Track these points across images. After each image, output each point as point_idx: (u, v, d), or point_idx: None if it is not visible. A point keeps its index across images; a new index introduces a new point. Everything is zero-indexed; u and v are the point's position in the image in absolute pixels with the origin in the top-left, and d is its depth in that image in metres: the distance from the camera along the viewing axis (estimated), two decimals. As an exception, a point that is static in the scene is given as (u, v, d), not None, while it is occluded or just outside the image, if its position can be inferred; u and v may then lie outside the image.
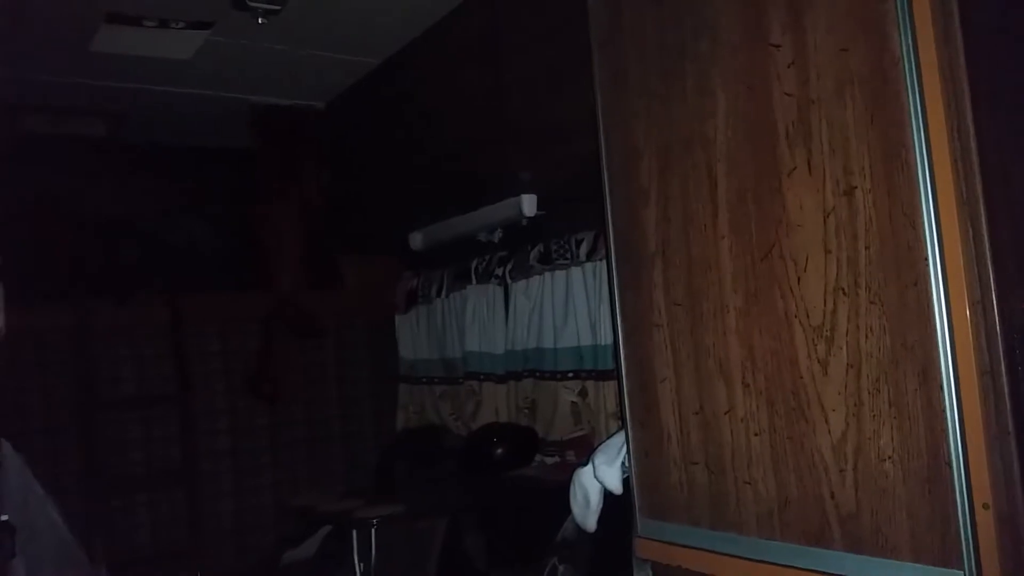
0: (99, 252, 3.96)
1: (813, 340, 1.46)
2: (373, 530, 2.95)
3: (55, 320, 3.75)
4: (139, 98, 3.84)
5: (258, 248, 4.08)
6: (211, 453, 4.09)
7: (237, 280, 4.15)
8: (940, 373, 1.28)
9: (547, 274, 3.19)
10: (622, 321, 1.91)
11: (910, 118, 1.31)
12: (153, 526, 3.95)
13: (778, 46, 1.51)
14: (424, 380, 4.06)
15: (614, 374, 2.74)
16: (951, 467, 1.27)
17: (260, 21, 3.07)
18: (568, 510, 2.32)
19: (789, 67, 1.49)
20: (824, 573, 1.44)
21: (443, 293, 3.89)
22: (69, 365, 3.81)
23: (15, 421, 3.49)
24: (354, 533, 3.04)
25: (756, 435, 1.57)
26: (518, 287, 3.37)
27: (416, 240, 3.80)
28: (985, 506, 1.23)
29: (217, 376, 4.14)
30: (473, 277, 3.63)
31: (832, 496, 1.44)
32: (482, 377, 3.58)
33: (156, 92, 3.79)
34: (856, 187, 1.39)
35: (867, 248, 1.37)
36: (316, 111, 4.21)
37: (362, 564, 2.97)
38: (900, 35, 1.32)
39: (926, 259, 1.29)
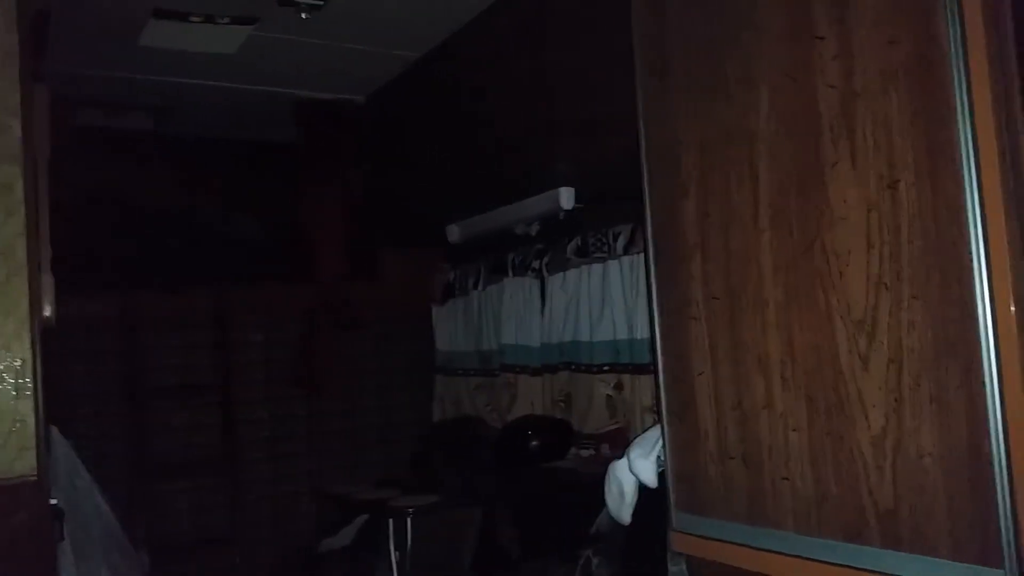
0: (147, 243, 4.05)
1: (854, 335, 1.45)
2: (409, 519, 2.98)
3: (104, 309, 3.85)
4: (185, 92, 3.91)
5: (300, 241, 4.14)
6: (251, 441, 4.17)
7: (280, 272, 4.22)
8: (983, 370, 1.26)
9: (584, 267, 3.20)
10: (659, 315, 1.91)
11: (957, 112, 1.29)
12: (194, 511, 4.03)
13: (822, 38, 1.50)
14: (460, 372, 4.10)
15: (650, 368, 2.73)
16: (993, 465, 1.25)
17: (303, 16, 3.11)
18: (603, 503, 2.33)
19: (833, 59, 1.48)
20: (862, 570, 1.43)
21: (480, 286, 3.92)
22: (117, 353, 3.91)
23: (64, 408, 3.59)
24: (390, 522, 3.08)
25: (794, 431, 1.57)
26: (555, 280, 3.38)
27: (453, 233, 3.82)
28: (1028, 505, 1.22)
29: (258, 366, 4.22)
30: (510, 270, 3.66)
31: (871, 492, 1.43)
32: (518, 369, 3.61)
33: (202, 87, 3.85)
34: (900, 181, 1.37)
35: (910, 243, 1.36)
36: (356, 105, 4.26)
37: (398, 553, 3.01)
38: (948, 27, 1.30)
39: (970, 254, 1.27)
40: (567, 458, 3.24)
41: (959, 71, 1.29)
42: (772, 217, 1.61)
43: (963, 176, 1.28)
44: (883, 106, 1.40)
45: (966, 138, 1.28)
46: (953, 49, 1.30)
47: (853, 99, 1.45)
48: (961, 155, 1.29)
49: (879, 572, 1.41)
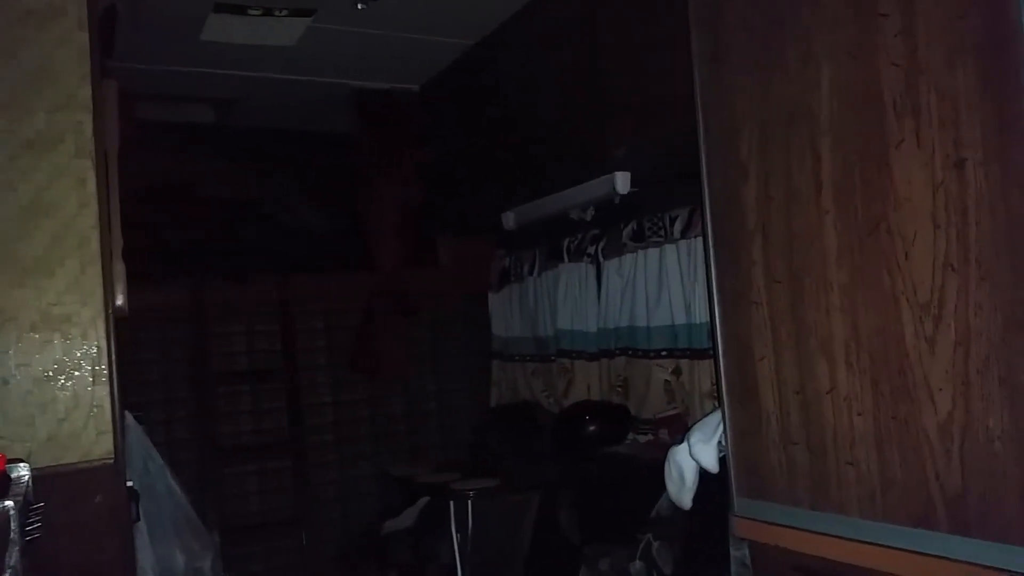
0: (214, 234, 4.16)
1: (920, 317, 1.42)
2: (470, 502, 3.02)
3: (173, 298, 3.97)
4: (246, 85, 3.99)
5: (360, 229, 4.20)
6: (316, 425, 4.27)
7: (341, 261, 4.30)
8: (1057, 352, 1.23)
9: (640, 252, 3.18)
10: (719, 299, 1.90)
11: (1028, 87, 1.25)
12: (262, 493, 4.15)
13: (886, 15, 1.47)
14: (516, 357, 4.11)
15: (709, 353, 2.71)
16: (1068, 449, 1.22)
17: (359, 7, 3.14)
18: (662, 487, 2.33)
19: (897, 36, 1.45)
20: (929, 555, 1.41)
21: (535, 271, 3.92)
22: (186, 341, 4.03)
23: (137, 394, 3.72)
24: (451, 504, 3.12)
25: (859, 415, 1.55)
26: (611, 265, 3.36)
27: (509, 219, 3.83)
28: (1105, 490, 1.18)
29: (321, 352, 4.32)
30: (565, 255, 3.65)
31: (938, 477, 1.40)
32: (574, 355, 3.61)
33: (262, 79, 3.93)
34: (967, 159, 1.34)
35: (978, 223, 1.33)
36: (411, 93, 4.29)
37: (459, 534, 3.05)
38: (1020, 1, 1.26)
39: (1043, 234, 1.24)
40: (625, 443, 3.24)
41: (1031, 45, 1.25)
42: (835, 198, 1.58)
43: (1035, 153, 1.25)
44: (949, 83, 1.37)
45: (1038, 114, 1.24)
46: (1024, 22, 1.26)
47: (918, 76, 1.41)
48: (1033, 132, 1.25)
49: (946, 558, 1.39)
